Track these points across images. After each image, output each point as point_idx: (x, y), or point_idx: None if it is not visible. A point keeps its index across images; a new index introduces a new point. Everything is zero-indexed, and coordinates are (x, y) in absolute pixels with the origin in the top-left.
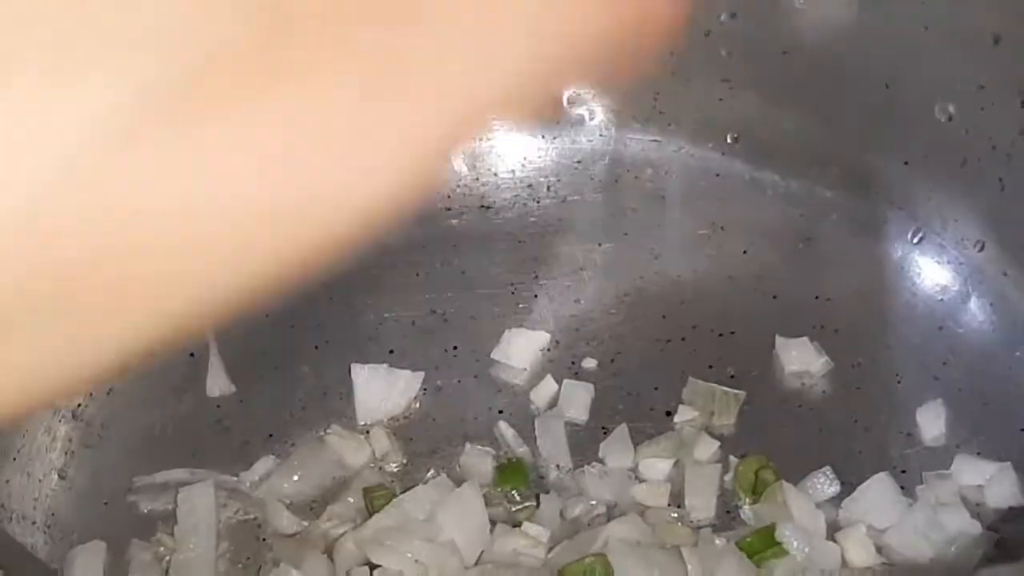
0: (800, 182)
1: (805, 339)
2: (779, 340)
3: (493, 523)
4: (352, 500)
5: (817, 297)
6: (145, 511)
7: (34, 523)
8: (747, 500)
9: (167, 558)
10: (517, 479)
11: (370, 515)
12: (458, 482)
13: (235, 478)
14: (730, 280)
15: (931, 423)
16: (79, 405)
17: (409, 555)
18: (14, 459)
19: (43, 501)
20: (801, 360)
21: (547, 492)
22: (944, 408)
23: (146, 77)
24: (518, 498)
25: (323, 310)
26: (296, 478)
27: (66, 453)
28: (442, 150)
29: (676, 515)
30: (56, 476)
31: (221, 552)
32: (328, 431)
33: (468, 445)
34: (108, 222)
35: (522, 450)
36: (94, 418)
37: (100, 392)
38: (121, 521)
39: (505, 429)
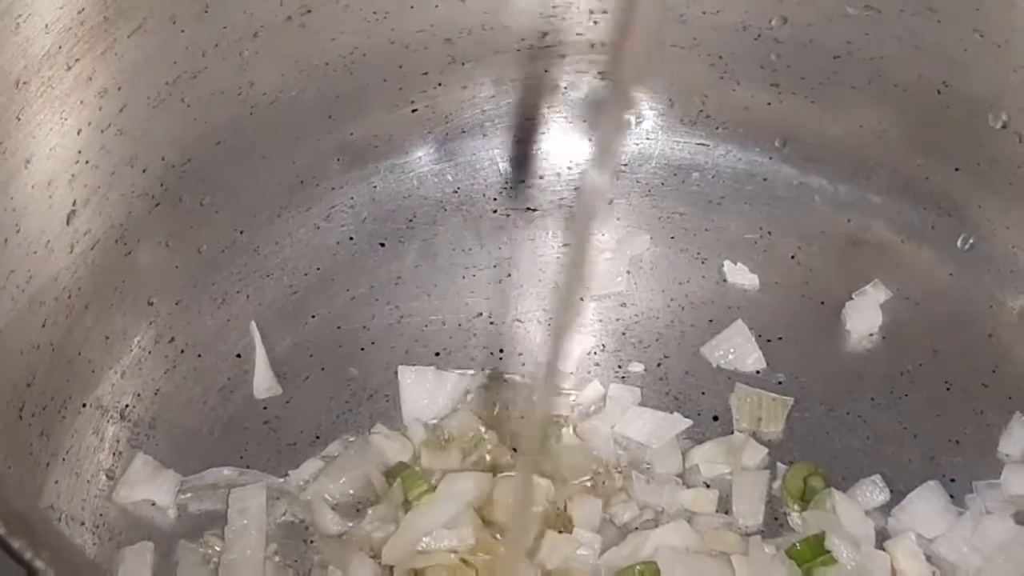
0: (848, 187)
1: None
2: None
3: (543, 528)
4: (393, 500)
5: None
6: (194, 512)
7: (82, 524)
8: (795, 507)
9: (215, 559)
10: None
11: (404, 501)
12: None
13: (282, 479)
14: (777, 285)
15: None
16: (126, 406)
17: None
18: (63, 460)
19: (91, 502)
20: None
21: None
22: None
23: None
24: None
25: (370, 312)
26: (343, 480)
27: (114, 454)
28: None
29: (724, 522)
30: (104, 477)
31: (269, 553)
32: (373, 431)
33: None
34: None
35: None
36: (142, 419)
37: (147, 393)
38: (169, 522)
39: None
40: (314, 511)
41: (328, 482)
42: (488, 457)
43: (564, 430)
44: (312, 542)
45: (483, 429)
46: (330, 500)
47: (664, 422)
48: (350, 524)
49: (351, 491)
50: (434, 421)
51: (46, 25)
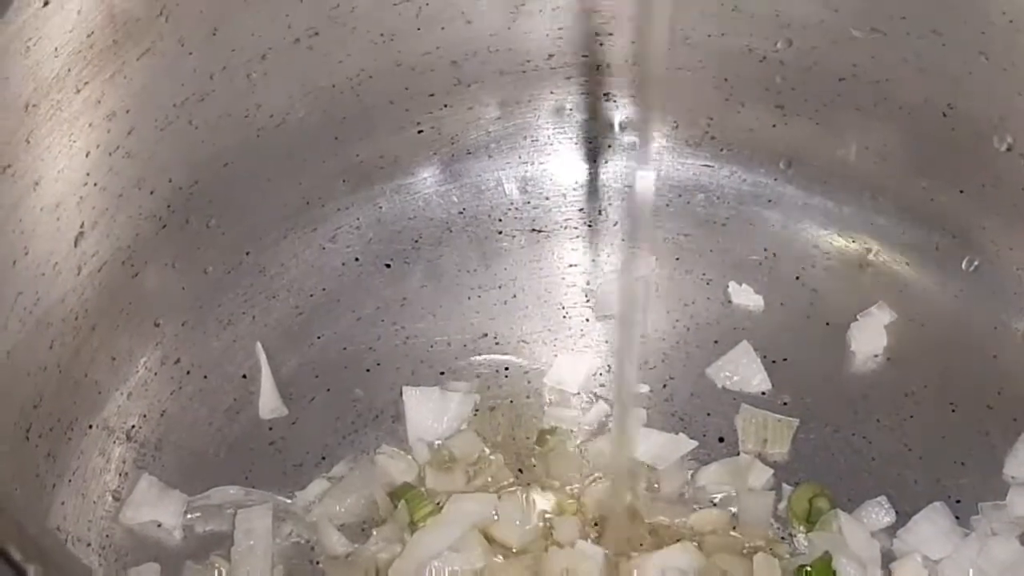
0: (853, 209)
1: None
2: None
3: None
4: (399, 521)
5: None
6: (200, 533)
7: (89, 545)
8: (801, 528)
9: None
10: None
11: (411, 523)
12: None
13: (289, 500)
14: (782, 306)
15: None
16: (133, 427)
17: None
18: (69, 481)
19: (97, 523)
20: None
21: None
22: None
23: None
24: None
25: (375, 333)
26: (349, 500)
27: (120, 475)
28: None
29: (730, 542)
30: (110, 498)
31: (275, 575)
32: (378, 451)
33: (520, 468)
34: None
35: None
36: (148, 440)
37: (154, 414)
38: (175, 543)
39: None
40: (320, 532)
41: (334, 503)
42: (492, 478)
43: (555, 439)
44: (318, 563)
45: (487, 450)
46: (335, 521)
47: (670, 443)
48: (356, 545)
49: (356, 512)
50: (439, 441)
51: (56, 48)
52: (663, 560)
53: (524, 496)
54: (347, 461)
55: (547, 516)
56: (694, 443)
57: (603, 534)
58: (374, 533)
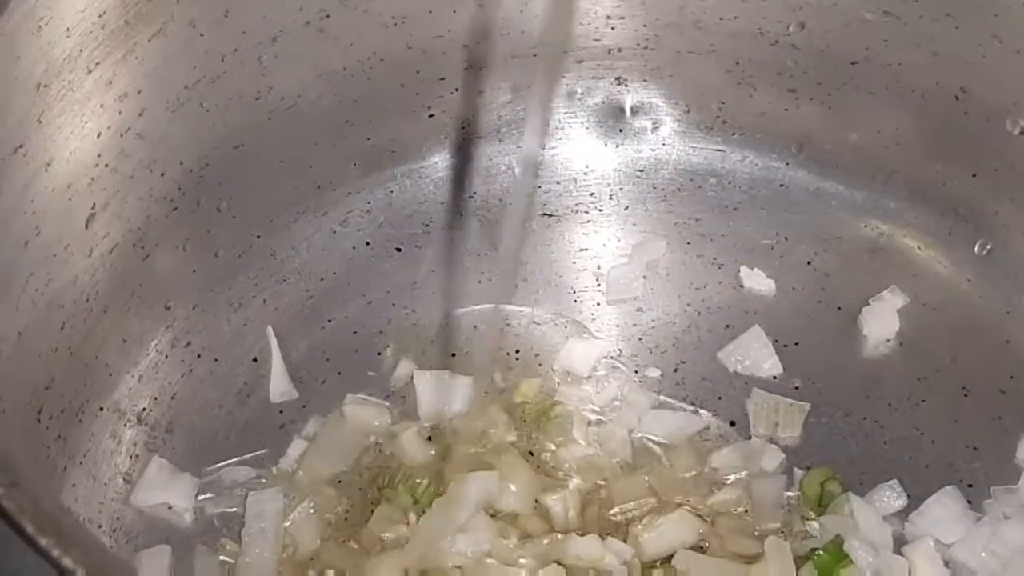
0: (865, 193)
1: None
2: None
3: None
4: (400, 502)
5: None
6: (211, 515)
7: (100, 527)
8: (812, 512)
9: (232, 562)
10: None
11: (414, 503)
12: None
13: (274, 468)
14: (794, 291)
15: None
16: (143, 410)
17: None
18: (80, 463)
19: (108, 505)
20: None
21: None
22: None
23: None
24: None
25: (386, 316)
26: (330, 454)
27: (131, 457)
28: None
29: (742, 525)
30: (121, 480)
31: (285, 556)
32: (345, 402)
33: (530, 452)
34: None
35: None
36: (158, 423)
37: (164, 397)
38: (185, 525)
39: None
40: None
41: (317, 460)
42: (500, 458)
43: (563, 418)
44: (326, 542)
45: (496, 430)
46: (321, 477)
47: (681, 421)
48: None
49: (342, 464)
50: (450, 421)
51: (67, 29)
52: (672, 538)
53: (529, 472)
54: (317, 418)
55: (551, 493)
56: (706, 421)
57: (611, 505)
58: (376, 512)
